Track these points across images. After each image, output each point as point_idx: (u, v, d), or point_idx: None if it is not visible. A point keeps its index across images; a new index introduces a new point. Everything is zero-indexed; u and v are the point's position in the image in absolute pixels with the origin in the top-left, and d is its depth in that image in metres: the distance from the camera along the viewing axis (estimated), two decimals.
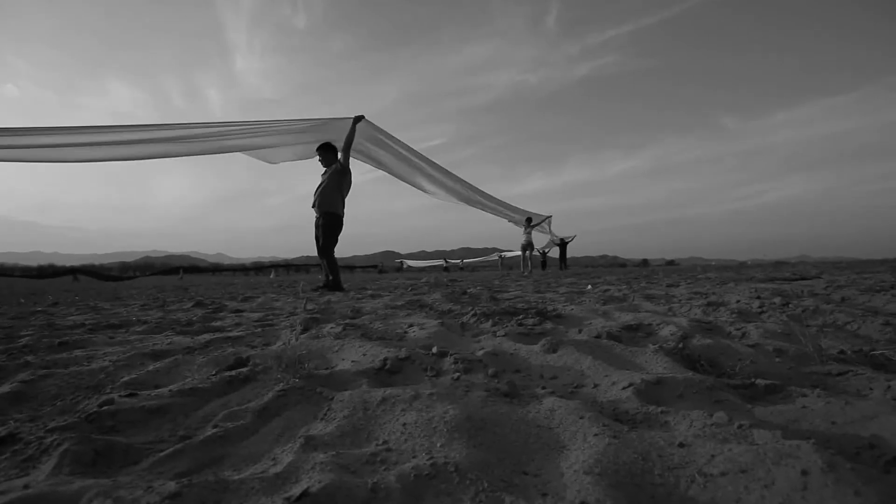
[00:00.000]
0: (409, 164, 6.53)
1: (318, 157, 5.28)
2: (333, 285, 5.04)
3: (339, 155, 5.22)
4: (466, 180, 7.38)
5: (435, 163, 6.67)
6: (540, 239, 17.77)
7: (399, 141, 6.11)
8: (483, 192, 8.10)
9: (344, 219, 5.26)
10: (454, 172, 7.06)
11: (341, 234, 5.29)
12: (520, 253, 13.41)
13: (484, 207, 8.42)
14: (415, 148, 6.30)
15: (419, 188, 6.90)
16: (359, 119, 5.32)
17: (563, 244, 18.56)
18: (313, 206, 5.16)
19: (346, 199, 5.22)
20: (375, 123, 5.73)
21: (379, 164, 6.40)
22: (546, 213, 13.46)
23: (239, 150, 5.34)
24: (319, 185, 5.15)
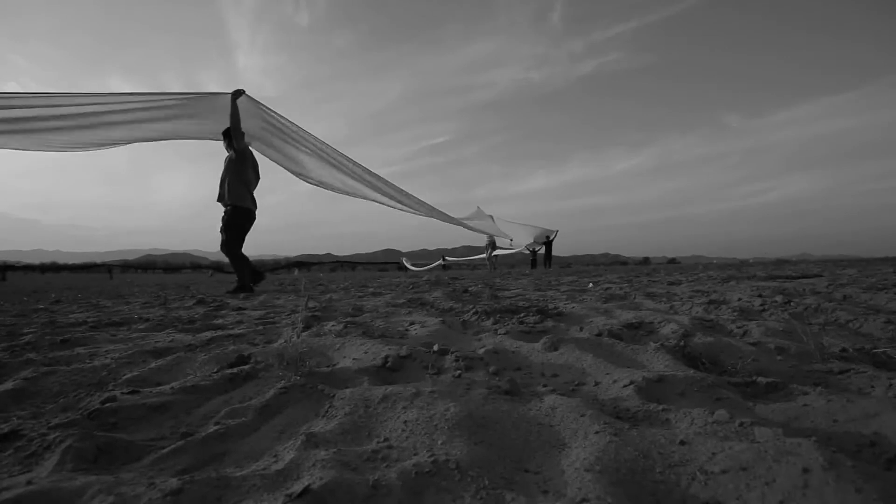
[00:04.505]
0: (317, 157, 5.05)
1: (224, 144, 4.63)
2: (239, 288, 4.57)
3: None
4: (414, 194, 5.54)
5: (350, 158, 5.02)
6: (525, 237, 18.48)
7: (301, 129, 4.79)
8: (421, 199, 5.83)
9: (256, 212, 4.62)
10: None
11: (252, 227, 4.64)
12: (519, 251, 13.95)
13: (420, 211, 6.11)
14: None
15: (328, 187, 5.23)
16: (238, 94, 4.38)
17: (548, 242, 18.90)
18: (218, 200, 4.57)
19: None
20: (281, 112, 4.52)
21: (283, 162, 5.05)
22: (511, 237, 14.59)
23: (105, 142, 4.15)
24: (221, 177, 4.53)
